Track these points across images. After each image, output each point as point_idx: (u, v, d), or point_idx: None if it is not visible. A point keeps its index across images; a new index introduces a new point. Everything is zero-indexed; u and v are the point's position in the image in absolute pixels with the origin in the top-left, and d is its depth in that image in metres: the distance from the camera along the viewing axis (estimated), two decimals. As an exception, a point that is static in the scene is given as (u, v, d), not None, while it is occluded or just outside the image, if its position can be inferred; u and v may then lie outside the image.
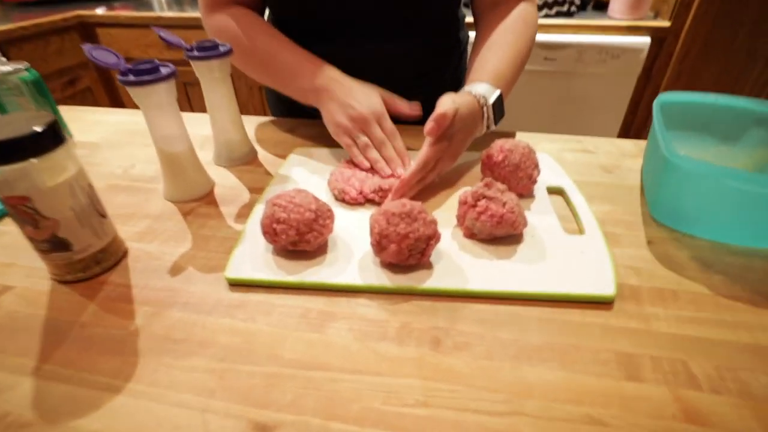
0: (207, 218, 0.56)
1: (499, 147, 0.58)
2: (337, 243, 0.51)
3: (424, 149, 0.56)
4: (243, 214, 0.57)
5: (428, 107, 0.61)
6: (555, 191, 0.61)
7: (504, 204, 0.51)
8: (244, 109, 1.71)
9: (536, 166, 0.57)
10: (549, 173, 0.62)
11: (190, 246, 0.52)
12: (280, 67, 0.61)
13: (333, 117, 0.60)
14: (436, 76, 0.74)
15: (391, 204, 0.49)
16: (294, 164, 0.65)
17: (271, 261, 0.49)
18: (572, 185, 0.60)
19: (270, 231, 0.49)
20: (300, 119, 0.78)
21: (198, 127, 0.78)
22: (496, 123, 0.61)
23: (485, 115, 0.59)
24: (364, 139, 0.58)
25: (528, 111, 1.54)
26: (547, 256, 0.49)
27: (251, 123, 0.80)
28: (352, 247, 0.51)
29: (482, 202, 0.52)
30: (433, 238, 0.49)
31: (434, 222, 0.50)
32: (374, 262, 0.49)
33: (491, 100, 0.59)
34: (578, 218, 0.54)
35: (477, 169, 0.64)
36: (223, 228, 0.54)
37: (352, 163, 0.63)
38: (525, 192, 0.58)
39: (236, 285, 0.47)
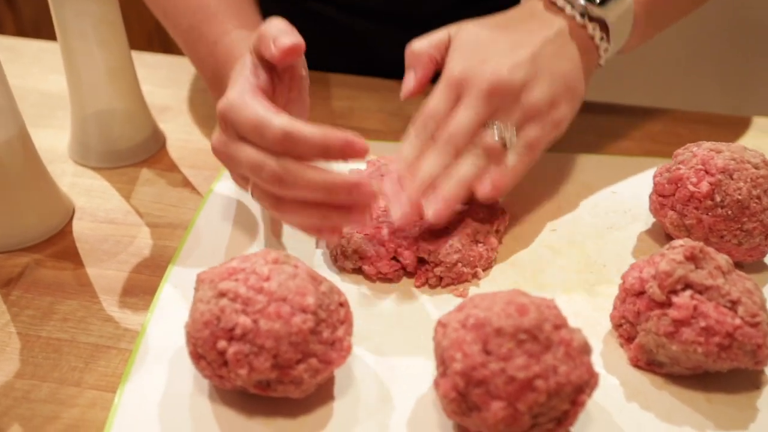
0: (56, 295, 0.49)
1: (700, 161, 0.48)
2: (356, 379, 0.43)
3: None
4: (138, 289, 0.50)
5: None
6: None
7: (735, 303, 0.40)
8: (143, 41, 1.58)
9: None
10: None
11: (15, 368, 0.44)
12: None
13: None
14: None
15: (490, 303, 0.38)
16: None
17: (207, 420, 0.41)
18: None
19: (211, 356, 0.39)
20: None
21: (39, 79, 0.72)
22: (609, 44, 0.53)
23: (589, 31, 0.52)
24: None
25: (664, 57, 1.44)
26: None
27: (158, 70, 0.73)
28: (388, 389, 0.43)
29: (684, 299, 0.40)
30: (585, 386, 0.38)
31: (586, 347, 0.38)
32: (444, 431, 0.41)
33: None
34: None
35: (622, 199, 0.58)
36: (93, 322, 0.47)
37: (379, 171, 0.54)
38: (751, 259, 0.49)
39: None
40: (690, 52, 1.51)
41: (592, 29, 0.52)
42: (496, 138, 0.48)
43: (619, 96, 0.79)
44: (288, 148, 0.42)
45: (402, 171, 0.48)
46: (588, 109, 0.70)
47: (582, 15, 0.51)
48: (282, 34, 0.44)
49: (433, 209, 0.46)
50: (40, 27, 1.62)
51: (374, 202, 0.45)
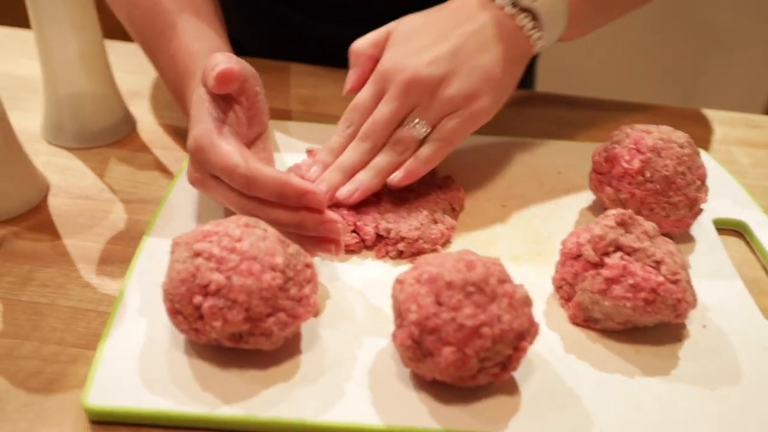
0: (35, 263, 0.50)
1: (632, 141, 0.52)
2: (321, 336, 0.45)
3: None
4: (115, 256, 0.51)
5: None
6: (729, 228, 0.58)
7: (659, 263, 0.44)
8: (114, 31, 1.58)
9: (703, 180, 0.52)
10: (716, 192, 0.58)
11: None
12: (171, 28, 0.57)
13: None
14: None
15: (442, 260, 0.41)
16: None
17: (184, 372, 0.42)
18: (762, 216, 0.58)
19: (188, 311, 0.41)
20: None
21: (10, 63, 0.73)
22: (542, 33, 0.55)
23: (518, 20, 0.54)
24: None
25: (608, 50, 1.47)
26: (743, 372, 0.44)
27: (128, 58, 0.74)
28: (350, 344, 0.45)
29: (615, 260, 0.44)
30: (527, 334, 0.41)
31: (527, 300, 0.42)
32: (401, 379, 0.43)
33: None
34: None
35: (566, 178, 0.62)
36: (71, 288, 0.48)
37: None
38: (677, 230, 0.53)
39: (106, 424, 0.41)
40: (641, 47, 1.57)
41: (522, 19, 0.54)
42: (410, 133, 0.52)
43: (574, 88, 0.84)
44: (252, 191, 0.46)
45: (326, 159, 0.53)
46: (538, 99, 0.75)
47: (512, 5, 0.54)
48: (219, 64, 0.47)
49: (347, 192, 0.52)
50: (4, 13, 1.60)
51: (335, 226, 0.47)
